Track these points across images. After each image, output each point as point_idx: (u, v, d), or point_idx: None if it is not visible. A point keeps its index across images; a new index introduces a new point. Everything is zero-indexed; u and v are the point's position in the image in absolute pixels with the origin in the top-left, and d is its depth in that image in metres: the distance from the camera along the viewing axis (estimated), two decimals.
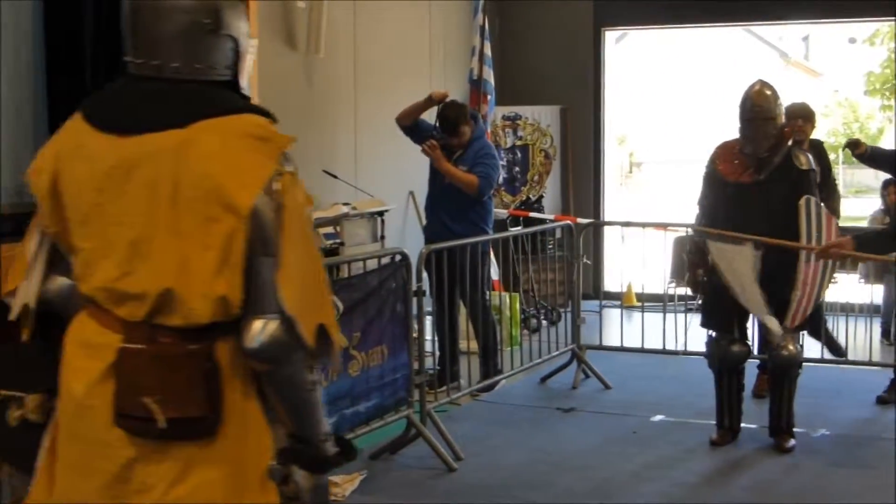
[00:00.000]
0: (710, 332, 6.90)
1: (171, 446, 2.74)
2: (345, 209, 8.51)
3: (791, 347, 6.65)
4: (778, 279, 6.41)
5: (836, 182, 8.90)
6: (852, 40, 33.56)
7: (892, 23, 17.66)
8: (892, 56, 21.78)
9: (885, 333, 9.87)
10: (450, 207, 8.04)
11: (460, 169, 7.89)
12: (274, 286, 2.68)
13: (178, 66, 2.81)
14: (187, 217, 2.69)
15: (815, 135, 8.36)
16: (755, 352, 7.28)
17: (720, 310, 6.75)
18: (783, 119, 6.70)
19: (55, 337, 2.95)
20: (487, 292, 8.33)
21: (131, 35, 2.85)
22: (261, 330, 2.69)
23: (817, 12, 12.55)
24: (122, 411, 2.74)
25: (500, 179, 11.87)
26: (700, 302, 7.32)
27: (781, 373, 6.71)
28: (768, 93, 6.62)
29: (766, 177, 6.53)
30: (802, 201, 6.37)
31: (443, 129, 7.99)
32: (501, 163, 12.05)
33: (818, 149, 8.18)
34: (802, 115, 8.18)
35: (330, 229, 8.80)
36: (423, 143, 7.88)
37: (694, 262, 6.85)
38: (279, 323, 2.68)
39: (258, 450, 2.80)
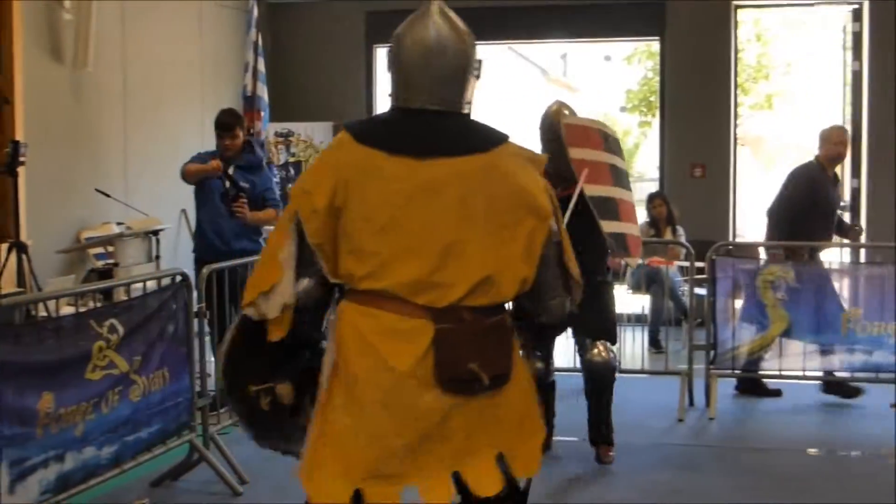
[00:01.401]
0: None
1: (474, 398, 3.53)
2: (118, 229, 8.28)
3: (605, 354, 6.60)
4: None
5: None
6: (608, 58, 34.71)
7: (649, 43, 18.37)
8: (650, 74, 22.58)
9: (653, 342, 10.21)
10: (233, 226, 7.90)
11: (238, 180, 7.87)
12: (558, 270, 3.70)
13: (453, 102, 3.62)
14: (499, 220, 3.51)
15: None
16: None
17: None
18: None
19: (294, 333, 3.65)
20: None
21: (412, 77, 3.60)
22: (565, 306, 3.75)
23: (575, 32, 12.95)
24: (450, 377, 3.46)
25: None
26: None
27: (598, 379, 6.63)
28: (566, 112, 6.66)
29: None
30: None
31: (218, 128, 7.91)
32: (275, 180, 11.96)
33: None
34: None
35: (101, 249, 8.55)
36: (226, 202, 7.82)
37: None
38: (568, 298, 3.77)
39: (530, 388, 3.73)
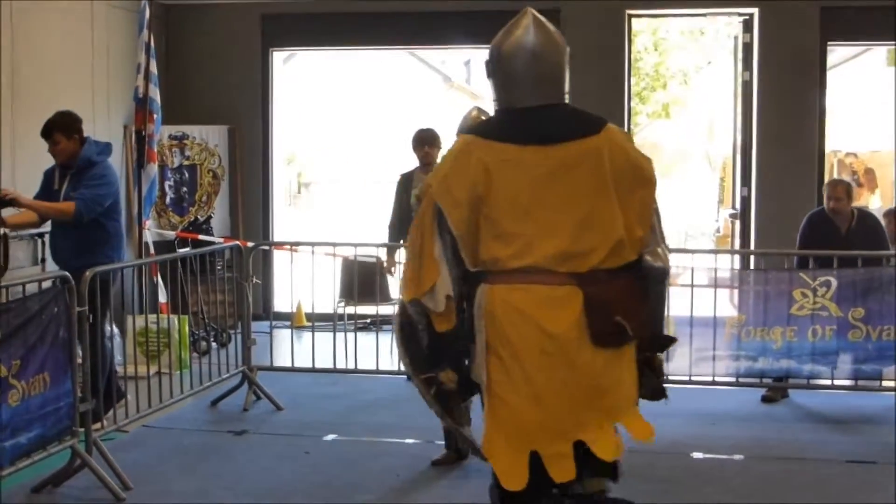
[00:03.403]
0: None
1: (620, 352, 4.12)
2: (2, 230, 8.11)
3: None
4: None
5: None
6: None
7: None
8: None
9: None
10: (66, 243, 7.54)
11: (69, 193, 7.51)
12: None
13: (563, 95, 4.24)
14: (620, 190, 4.11)
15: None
16: None
17: None
18: None
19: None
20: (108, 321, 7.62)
21: (517, 81, 4.20)
22: (663, 254, 4.24)
23: (478, 37, 12.91)
24: (601, 332, 4.03)
25: (168, 201, 11.66)
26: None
27: None
28: (484, 119, 6.30)
29: None
30: None
31: (41, 134, 7.65)
32: (169, 183, 11.84)
33: None
34: (429, 142, 9.05)
35: None
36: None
37: None
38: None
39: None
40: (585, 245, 4.07)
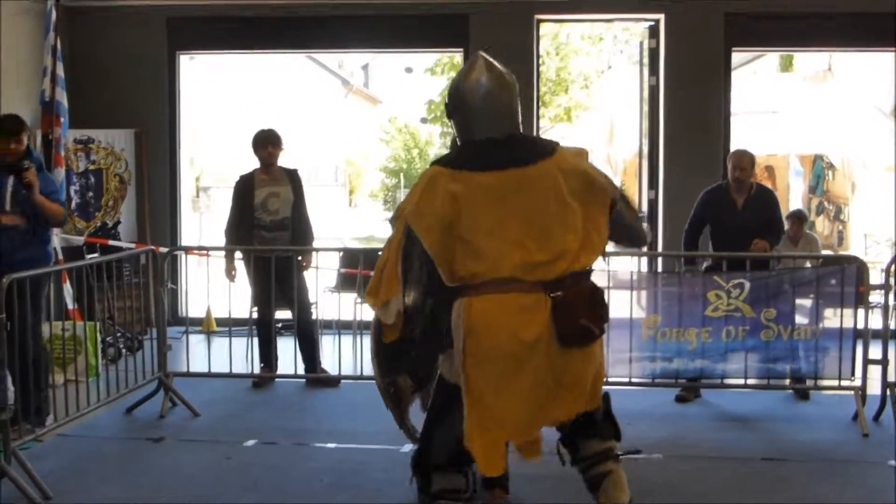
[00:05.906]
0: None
1: (587, 350, 4.64)
2: None
3: None
4: None
5: None
6: (409, 70, 34.94)
7: (451, 54, 18.55)
8: None
9: None
10: (14, 235, 7.47)
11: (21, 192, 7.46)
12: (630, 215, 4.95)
13: (518, 126, 4.77)
14: (578, 200, 4.61)
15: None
16: None
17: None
18: None
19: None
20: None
21: (476, 118, 4.71)
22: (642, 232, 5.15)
23: (376, 42, 12.94)
24: (567, 334, 4.53)
25: (73, 205, 11.51)
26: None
27: None
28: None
29: None
30: None
31: (3, 134, 7.51)
32: (74, 188, 11.67)
33: (293, 175, 9.44)
34: (273, 142, 9.41)
35: None
36: (18, 175, 7.38)
37: None
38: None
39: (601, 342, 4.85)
40: (549, 255, 4.56)
